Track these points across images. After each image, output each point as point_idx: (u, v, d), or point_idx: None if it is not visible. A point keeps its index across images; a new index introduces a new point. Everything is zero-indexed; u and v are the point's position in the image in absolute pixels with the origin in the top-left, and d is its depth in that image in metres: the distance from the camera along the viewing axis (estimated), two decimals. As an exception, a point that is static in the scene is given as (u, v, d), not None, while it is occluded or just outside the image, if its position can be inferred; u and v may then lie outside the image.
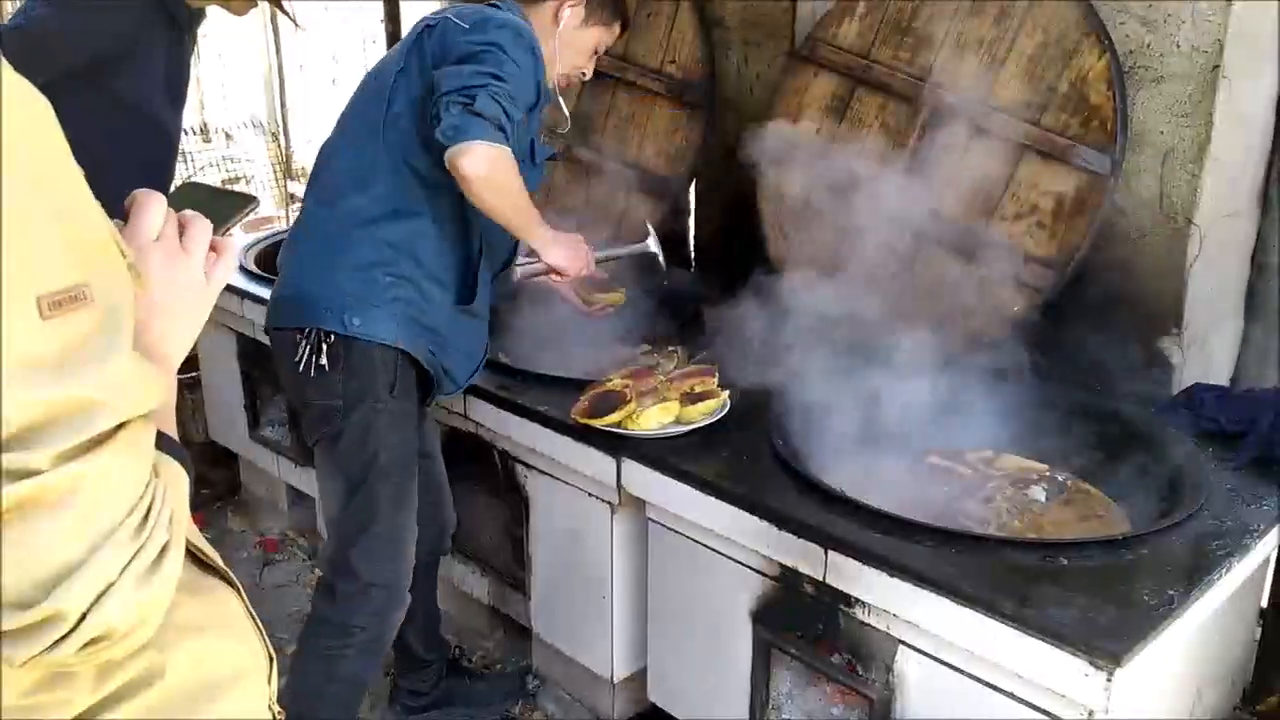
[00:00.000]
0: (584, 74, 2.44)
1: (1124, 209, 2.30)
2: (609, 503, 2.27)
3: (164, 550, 0.78)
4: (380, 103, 2.13)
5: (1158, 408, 2.23)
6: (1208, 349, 2.40)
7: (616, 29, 2.43)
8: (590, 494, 2.31)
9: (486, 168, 1.94)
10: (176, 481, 0.84)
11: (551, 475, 2.39)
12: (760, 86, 2.92)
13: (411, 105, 2.10)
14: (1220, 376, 2.45)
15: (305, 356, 2.09)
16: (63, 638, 0.74)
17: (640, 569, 2.31)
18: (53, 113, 0.78)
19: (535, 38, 2.14)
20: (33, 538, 0.71)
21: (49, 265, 0.72)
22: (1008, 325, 2.37)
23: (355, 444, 2.13)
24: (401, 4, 4.21)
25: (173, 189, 1.15)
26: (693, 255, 3.33)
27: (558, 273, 2.32)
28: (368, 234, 2.11)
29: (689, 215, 3.35)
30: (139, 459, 0.77)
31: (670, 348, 2.94)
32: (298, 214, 2.37)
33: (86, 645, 0.75)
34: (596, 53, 2.42)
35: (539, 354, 2.90)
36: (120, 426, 0.75)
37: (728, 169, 3.01)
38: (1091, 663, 1.52)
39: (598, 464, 2.20)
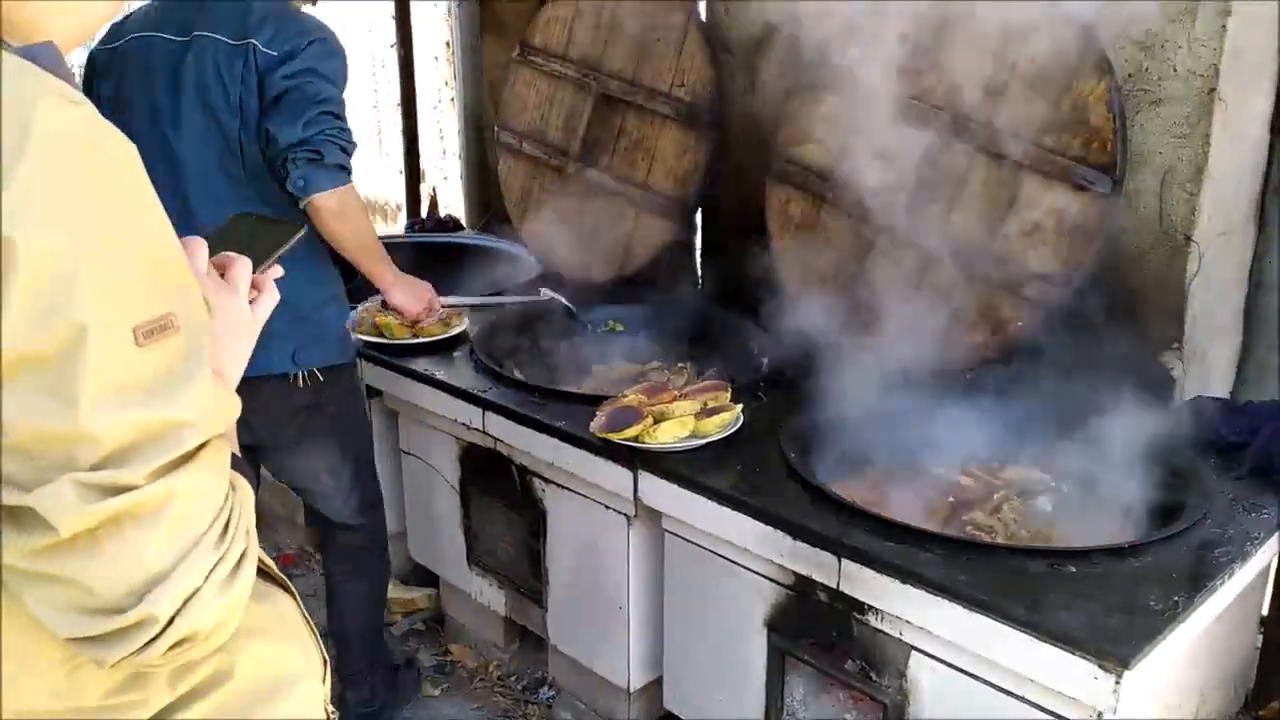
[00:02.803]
0: None
1: (1125, 227, 2.37)
2: (625, 515, 2.33)
3: (242, 558, 0.84)
4: (233, 157, 2.26)
5: (1161, 419, 2.28)
6: (1208, 363, 2.46)
7: None
8: (607, 506, 2.36)
9: (338, 210, 2.25)
10: (247, 494, 0.90)
11: (569, 489, 2.45)
12: (768, 109, 2.99)
13: (259, 153, 2.26)
14: (1220, 390, 2.51)
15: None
16: (152, 640, 0.80)
17: (656, 579, 2.37)
18: (136, 153, 0.84)
19: (333, 34, 2.32)
20: (127, 548, 0.77)
21: (141, 296, 0.79)
22: (1013, 339, 2.43)
23: (351, 416, 2.55)
24: (413, 27, 4.30)
25: (226, 219, 1.21)
26: (700, 275, 3.39)
27: (398, 311, 2.73)
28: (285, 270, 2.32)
29: (696, 235, 3.41)
30: (219, 474, 0.84)
31: (680, 364, 3.01)
32: None
33: (174, 647, 0.81)
34: None
35: (553, 373, 2.97)
36: (204, 444, 0.81)
37: (735, 189, 3.08)
38: (1100, 665, 1.57)
39: (615, 477, 2.26)
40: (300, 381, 2.37)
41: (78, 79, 2.41)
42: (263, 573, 1.05)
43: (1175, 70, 2.24)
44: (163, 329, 0.79)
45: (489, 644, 2.97)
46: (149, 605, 0.78)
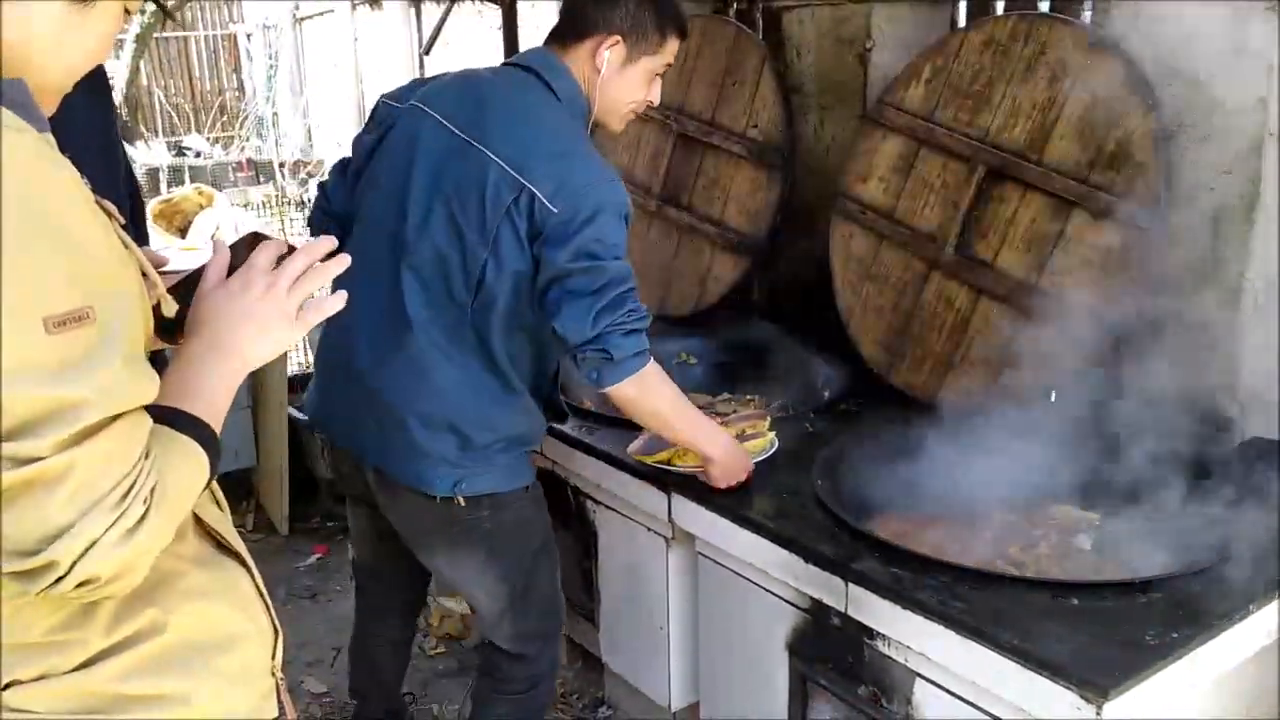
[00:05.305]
0: (651, 102, 2.26)
1: (1176, 264, 2.33)
2: (664, 536, 2.42)
3: (142, 518, 0.98)
4: (465, 278, 2.05)
5: (1214, 460, 2.23)
6: (1271, 402, 2.38)
7: (672, 45, 2.19)
8: (648, 528, 2.46)
9: (635, 395, 2.04)
10: (175, 464, 1.04)
11: (615, 510, 2.56)
12: (835, 148, 3.06)
13: (513, 289, 2.04)
14: (1289, 432, 2.42)
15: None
16: (59, 579, 0.95)
17: (694, 601, 2.44)
18: (77, 178, 0.99)
19: (621, 190, 2.04)
20: (35, 506, 0.93)
21: (54, 293, 0.93)
22: (1061, 377, 2.41)
23: (512, 537, 2.24)
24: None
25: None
26: (770, 309, 3.45)
27: (709, 480, 2.24)
28: (471, 406, 2.12)
29: (773, 271, 3.48)
30: (127, 445, 0.98)
31: (748, 396, 3.08)
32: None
33: (79, 586, 0.96)
34: (659, 75, 2.22)
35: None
36: (115, 419, 0.96)
37: (807, 226, 3.15)
38: (1081, 695, 1.57)
39: (652, 499, 2.35)
40: (459, 502, 2.14)
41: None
42: (222, 546, 1.20)
43: (1224, 106, 2.21)
44: (76, 320, 0.93)
45: (554, 661, 3.07)
46: (52, 552, 0.93)
